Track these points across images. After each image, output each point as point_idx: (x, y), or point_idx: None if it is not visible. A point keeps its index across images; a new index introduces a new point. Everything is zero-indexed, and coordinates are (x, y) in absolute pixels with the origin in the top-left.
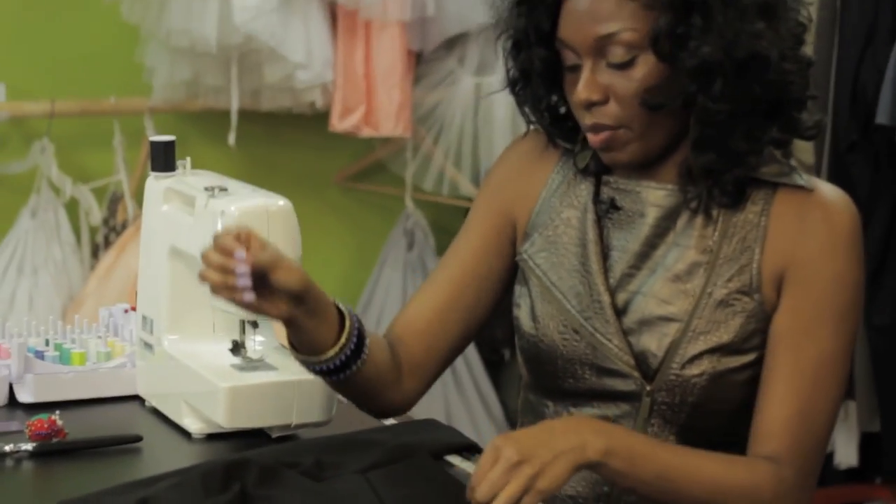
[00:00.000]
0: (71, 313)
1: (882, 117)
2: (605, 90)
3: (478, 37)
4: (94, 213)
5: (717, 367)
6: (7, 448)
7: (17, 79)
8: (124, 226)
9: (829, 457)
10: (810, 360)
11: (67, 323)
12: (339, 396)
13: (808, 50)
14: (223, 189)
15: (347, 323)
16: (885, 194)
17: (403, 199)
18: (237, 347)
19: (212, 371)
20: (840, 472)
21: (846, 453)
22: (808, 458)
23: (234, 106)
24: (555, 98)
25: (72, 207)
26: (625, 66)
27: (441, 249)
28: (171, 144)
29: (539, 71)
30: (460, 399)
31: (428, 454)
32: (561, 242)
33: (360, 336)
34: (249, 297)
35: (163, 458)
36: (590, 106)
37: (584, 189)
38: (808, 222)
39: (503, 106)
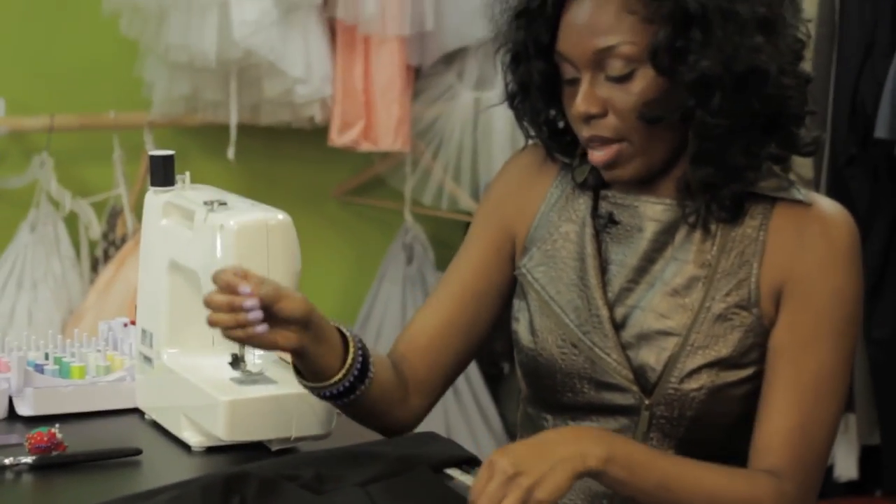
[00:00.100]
0: (70, 327)
1: (881, 131)
2: (603, 103)
3: (477, 51)
4: (94, 227)
5: (716, 382)
6: (7, 461)
7: (16, 93)
8: (124, 240)
9: (829, 470)
10: (810, 374)
11: (67, 337)
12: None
13: (807, 66)
14: (222, 203)
15: (351, 346)
16: (883, 208)
17: (402, 213)
18: (237, 361)
19: (211, 384)
20: (840, 485)
21: (846, 466)
22: (809, 472)
23: (234, 120)
24: (553, 112)
25: (71, 221)
26: (623, 79)
27: (440, 263)
28: (170, 159)
29: (538, 84)
30: (460, 412)
31: (428, 467)
32: (559, 257)
33: (365, 357)
34: (263, 328)
35: (162, 471)
36: (588, 119)
37: (583, 203)
38: (806, 237)
39: (502, 120)
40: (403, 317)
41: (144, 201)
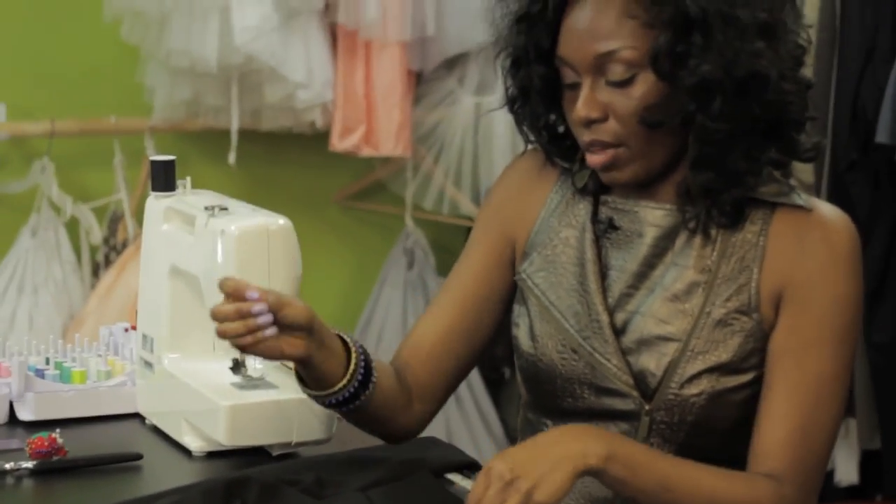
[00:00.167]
0: (71, 332)
1: (882, 136)
2: (604, 108)
3: (478, 57)
4: (95, 232)
5: (716, 387)
6: (7, 466)
7: (17, 99)
8: (125, 245)
9: (830, 474)
10: (810, 379)
11: (68, 342)
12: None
13: (808, 71)
14: (223, 208)
15: (353, 353)
16: (884, 213)
17: (403, 218)
18: (237, 366)
19: (212, 389)
20: (841, 489)
21: (847, 471)
22: (809, 476)
23: (235, 125)
24: (553, 117)
25: (72, 226)
26: (624, 83)
27: (441, 268)
28: (171, 164)
29: (538, 88)
30: (461, 417)
31: (428, 472)
32: (559, 262)
33: (367, 364)
34: (272, 331)
35: (163, 476)
36: (589, 123)
37: (583, 208)
38: (806, 242)
39: (503, 125)
40: (404, 322)
41: (145, 206)
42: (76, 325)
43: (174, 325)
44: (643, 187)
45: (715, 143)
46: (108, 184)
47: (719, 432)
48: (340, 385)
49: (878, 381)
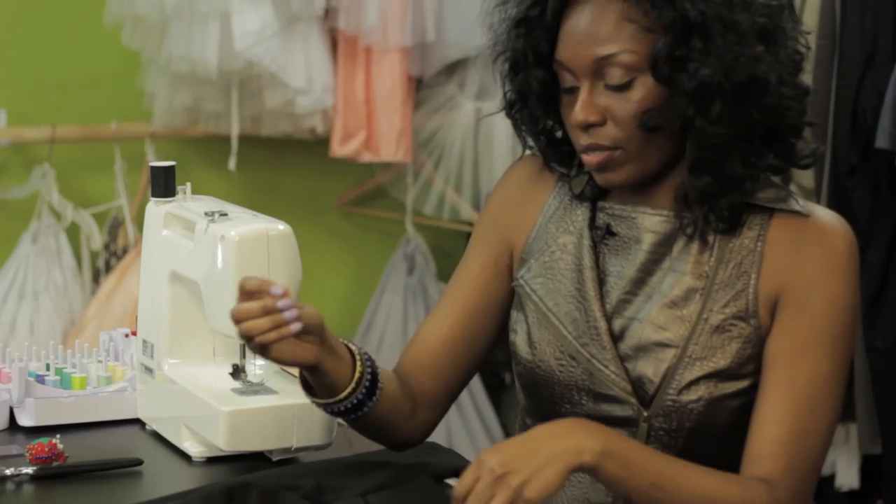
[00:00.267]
0: (72, 338)
1: (881, 141)
2: (602, 112)
3: (478, 62)
4: (95, 237)
5: (714, 393)
6: (8, 472)
7: (18, 104)
8: (125, 251)
9: (831, 479)
10: (804, 382)
11: (68, 347)
12: (339, 419)
13: (808, 77)
14: (223, 214)
15: (359, 360)
16: (885, 218)
17: (404, 223)
18: (237, 371)
19: (212, 395)
20: (841, 494)
21: (847, 475)
22: (802, 480)
23: (235, 131)
24: (551, 122)
25: (73, 232)
26: (623, 87)
27: (442, 274)
28: (171, 169)
29: (536, 92)
30: (461, 422)
31: (428, 477)
32: (557, 268)
33: (374, 372)
34: (297, 326)
35: (163, 481)
36: (587, 127)
37: (580, 214)
38: (804, 246)
39: (503, 130)
40: (405, 327)
41: (145, 212)
42: (77, 331)
43: (174, 330)
44: (640, 193)
45: (713, 148)
46: (108, 190)
47: (718, 438)
48: (347, 392)
49: (878, 385)
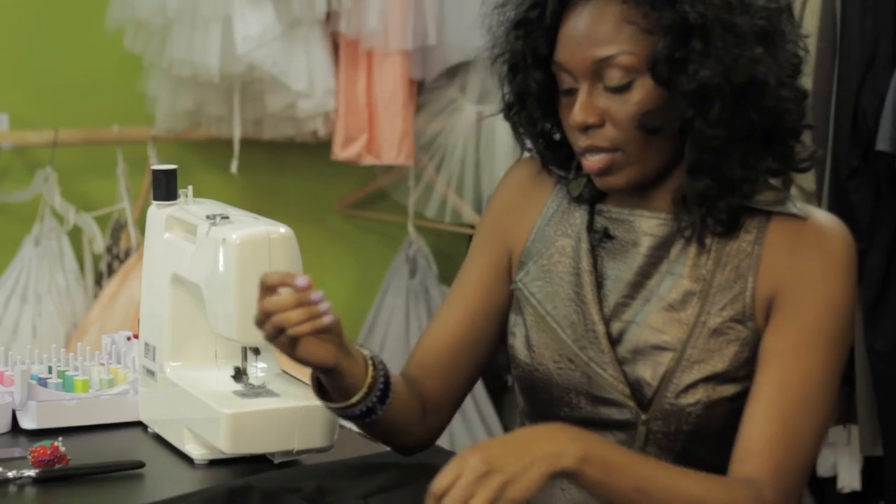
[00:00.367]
0: (74, 341)
1: (882, 144)
2: (601, 113)
3: (479, 65)
4: (98, 241)
5: (712, 396)
6: (10, 474)
7: (20, 108)
8: (127, 254)
9: (832, 481)
10: (796, 381)
11: (70, 350)
12: (341, 422)
13: (809, 80)
14: (225, 217)
15: (373, 363)
16: (885, 220)
17: (406, 226)
18: (239, 374)
19: (214, 397)
20: (843, 496)
21: (849, 477)
22: (790, 481)
23: (237, 135)
24: (549, 124)
25: (75, 235)
26: (622, 89)
27: (443, 276)
28: (172, 173)
29: (535, 94)
30: (463, 424)
31: (429, 480)
32: (555, 271)
33: (386, 375)
34: (330, 319)
35: (165, 484)
36: (585, 129)
37: (579, 217)
38: (801, 249)
39: (505, 133)
40: (407, 330)
41: (147, 215)
42: (79, 334)
43: (176, 333)
44: (639, 196)
45: (712, 150)
46: (110, 193)
47: (716, 441)
48: (361, 395)
49: (879, 388)
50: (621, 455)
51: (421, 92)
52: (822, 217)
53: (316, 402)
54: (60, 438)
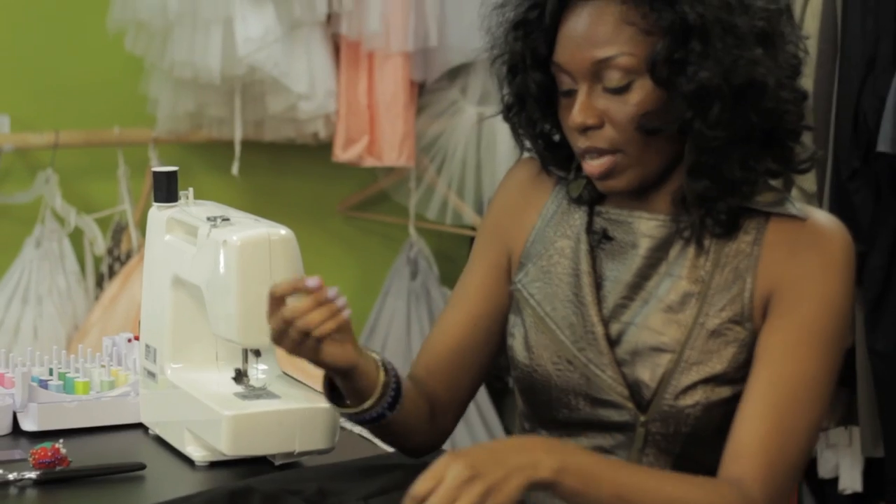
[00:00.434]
0: (75, 343)
1: (883, 145)
2: (600, 115)
3: (480, 67)
4: (99, 242)
5: (711, 398)
6: (11, 476)
7: (21, 110)
8: (129, 255)
9: (834, 482)
10: (790, 378)
11: (71, 352)
12: (342, 423)
13: (810, 81)
14: (225, 219)
15: (381, 366)
16: (887, 221)
17: (407, 228)
18: (240, 376)
19: (215, 399)
20: (844, 497)
21: (850, 478)
22: (779, 481)
23: (238, 136)
24: (548, 126)
25: (76, 237)
26: (621, 90)
27: (445, 278)
28: (173, 175)
29: (534, 95)
30: (465, 426)
31: None
32: (555, 272)
33: (397, 377)
34: (348, 313)
35: (166, 485)
36: (585, 130)
37: (578, 218)
38: (799, 248)
39: (506, 135)
40: (408, 331)
41: (147, 217)
42: (80, 336)
43: (177, 335)
44: (638, 197)
45: (712, 151)
46: (112, 195)
47: (715, 443)
48: (376, 397)
49: (881, 389)
50: (600, 464)
51: (422, 93)
52: (821, 217)
53: (317, 404)
54: (61, 440)
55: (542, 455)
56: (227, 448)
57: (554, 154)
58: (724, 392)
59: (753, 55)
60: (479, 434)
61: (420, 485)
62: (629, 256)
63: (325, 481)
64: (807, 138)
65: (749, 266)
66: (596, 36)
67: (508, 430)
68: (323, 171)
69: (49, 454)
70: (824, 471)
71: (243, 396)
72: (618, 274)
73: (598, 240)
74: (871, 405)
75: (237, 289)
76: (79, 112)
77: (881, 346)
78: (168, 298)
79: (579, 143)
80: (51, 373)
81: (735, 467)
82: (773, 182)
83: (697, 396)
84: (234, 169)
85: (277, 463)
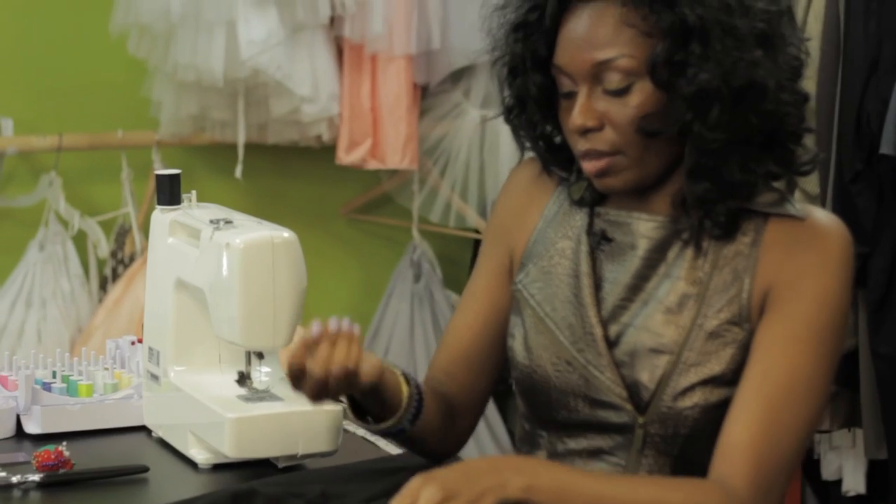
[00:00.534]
0: (79, 345)
1: (886, 147)
2: (600, 117)
3: (483, 69)
4: (102, 245)
5: (710, 399)
6: (14, 479)
7: (24, 113)
8: (132, 258)
9: (837, 484)
10: (781, 375)
11: (75, 355)
12: (345, 426)
13: (812, 84)
14: (228, 221)
15: (402, 377)
16: (890, 223)
17: (410, 230)
18: (243, 378)
19: (218, 402)
20: (848, 499)
21: (854, 480)
22: (769, 479)
23: (241, 139)
24: (549, 127)
25: (80, 240)
26: (621, 92)
27: (448, 280)
28: (176, 178)
29: (535, 97)
30: None
31: None
32: (555, 273)
33: (419, 387)
34: (357, 327)
35: (169, 488)
36: (585, 132)
37: (579, 219)
38: (797, 245)
39: (509, 137)
40: (412, 334)
41: (150, 220)
42: (84, 339)
43: (180, 337)
44: (638, 199)
45: (712, 153)
46: (115, 198)
47: (715, 444)
48: (403, 409)
49: (884, 391)
50: (571, 475)
51: (425, 96)
52: (821, 215)
53: (319, 406)
54: (65, 443)
55: (511, 475)
56: (231, 450)
57: (555, 156)
58: (722, 394)
59: (753, 57)
60: (483, 435)
61: None
62: (628, 258)
63: (328, 484)
64: (808, 140)
65: (747, 267)
66: (596, 38)
67: (511, 432)
68: (326, 173)
69: (52, 457)
70: (828, 473)
71: (246, 399)
72: (617, 275)
73: (598, 241)
74: (874, 407)
75: (240, 291)
76: (82, 115)
77: (884, 348)
78: (171, 301)
79: (579, 145)
80: (54, 375)
81: (724, 466)
82: (776, 184)
83: (696, 398)
84: (238, 172)
85: (281, 465)
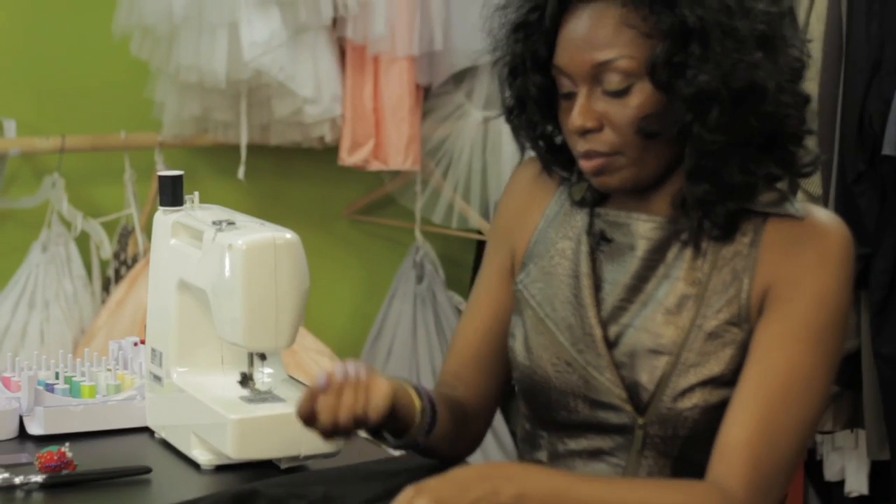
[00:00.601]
0: (82, 346)
1: (888, 148)
2: (600, 118)
3: (486, 70)
4: (105, 247)
5: (709, 400)
6: (17, 480)
7: (27, 115)
8: (135, 259)
9: (840, 485)
10: (781, 373)
11: (78, 356)
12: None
13: (815, 85)
14: (231, 223)
15: (413, 391)
16: (892, 224)
17: (413, 231)
18: (245, 379)
19: (220, 403)
20: (851, 500)
21: (856, 481)
22: (767, 480)
23: (244, 140)
24: (549, 128)
25: (82, 241)
26: (621, 93)
27: (451, 282)
28: (178, 179)
29: (535, 98)
30: None
31: None
32: (555, 273)
33: (430, 396)
34: (362, 368)
35: (172, 489)
36: (584, 133)
37: (580, 220)
38: (796, 244)
39: (511, 138)
40: (414, 335)
41: (153, 221)
42: (86, 340)
43: (182, 339)
44: (638, 199)
45: (711, 155)
46: (118, 199)
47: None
48: (418, 420)
49: (886, 392)
50: (563, 481)
51: (427, 97)
52: (820, 214)
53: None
54: (67, 444)
55: (502, 482)
56: (233, 452)
57: (556, 156)
58: (722, 394)
59: (753, 59)
60: (486, 437)
61: None
62: (627, 258)
63: (330, 485)
64: (810, 141)
65: (746, 267)
66: (596, 39)
67: (514, 433)
68: (329, 174)
69: (55, 458)
70: (830, 474)
71: (249, 400)
72: (616, 276)
73: (597, 241)
74: (876, 408)
75: (242, 292)
76: (85, 116)
77: (887, 349)
78: (174, 302)
79: (578, 146)
80: (57, 377)
81: (721, 466)
82: (778, 184)
83: (695, 399)
84: (240, 173)
85: (283, 466)
